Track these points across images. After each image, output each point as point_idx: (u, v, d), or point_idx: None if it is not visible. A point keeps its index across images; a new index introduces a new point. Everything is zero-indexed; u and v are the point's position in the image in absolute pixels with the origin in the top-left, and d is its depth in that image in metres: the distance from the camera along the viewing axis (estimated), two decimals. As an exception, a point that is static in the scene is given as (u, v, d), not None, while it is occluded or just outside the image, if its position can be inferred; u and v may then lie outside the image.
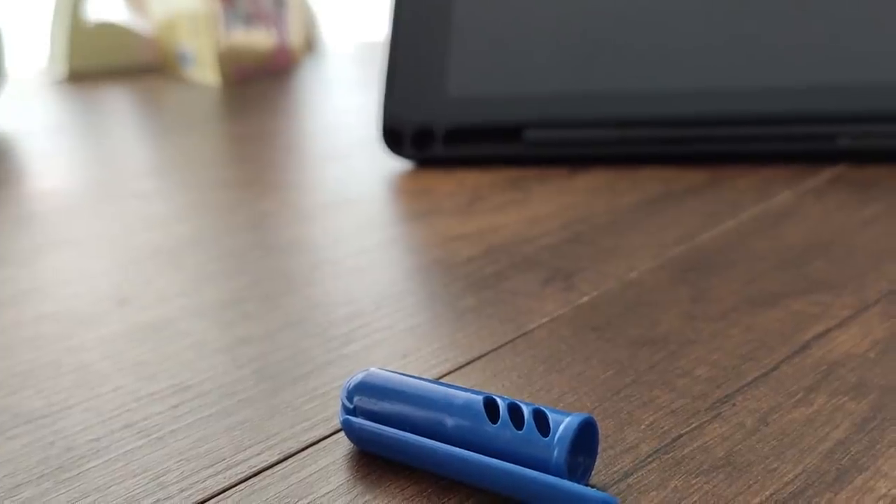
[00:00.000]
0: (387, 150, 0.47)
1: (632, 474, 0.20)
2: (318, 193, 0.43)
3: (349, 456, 0.21)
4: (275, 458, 0.21)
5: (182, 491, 0.20)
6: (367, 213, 0.39)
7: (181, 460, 0.21)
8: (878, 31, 0.43)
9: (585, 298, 0.29)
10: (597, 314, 0.28)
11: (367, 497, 0.19)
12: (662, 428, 0.22)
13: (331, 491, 0.20)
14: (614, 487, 0.19)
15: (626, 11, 0.46)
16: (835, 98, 0.42)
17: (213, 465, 0.21)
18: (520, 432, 0.19)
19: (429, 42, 0.48)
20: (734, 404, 0.22)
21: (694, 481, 0.19)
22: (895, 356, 0.24)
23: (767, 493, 0.19)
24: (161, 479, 0.21)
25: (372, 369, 0.22)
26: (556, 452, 0.18)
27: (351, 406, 0.21)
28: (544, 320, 0.28)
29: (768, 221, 0.35)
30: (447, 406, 0.20)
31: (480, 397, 0.20)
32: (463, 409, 0.20)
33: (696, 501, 0.19)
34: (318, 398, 0.24)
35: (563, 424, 0.19)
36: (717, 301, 0.28)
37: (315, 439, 0.22)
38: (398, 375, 0.21)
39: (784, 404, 0.22)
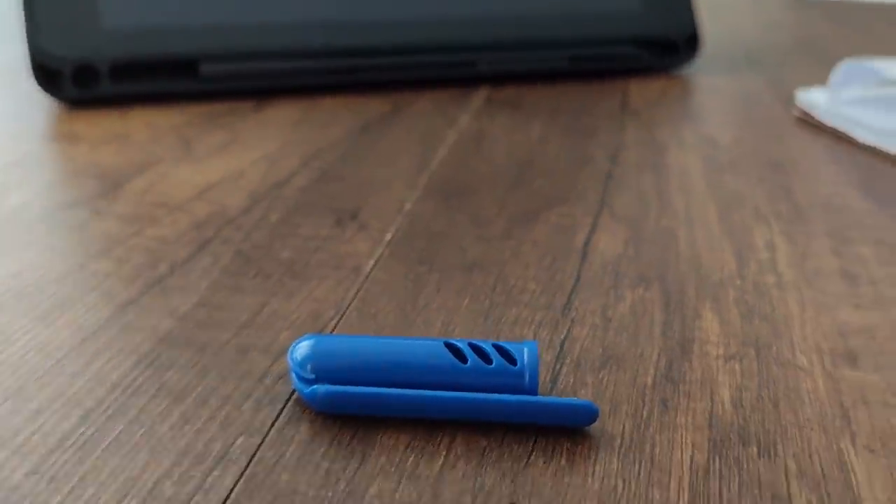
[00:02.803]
0: (39, 88, 0.42)
1: (556, 379, 0.24)
2: (-12, 149, 0.37)
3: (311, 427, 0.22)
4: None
5: None
6: (63, 169, 0.36)
7: None
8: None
9: (388, 235, 0.32)
10: (411, 249, 0.31)
11: (368, 461, 0.21)
12: (547, 338, 0.26)
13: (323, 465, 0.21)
14: (557, 393, 0.23)
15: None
16: (476, 29, 0.49)
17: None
18: (490, 366, 0.22)
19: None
20: (576, 308, 0.27)
21: (601, 375, 0.24)
22: (638, 250, 0.31)
23: (649, 375, 0.25)
24: None
25: (309, 335, 0.22)
26: (527, 377, 0.22)
27: (311, 375, 0.22)
28: (372, 262, 0.30)
29: (471, 145, 0.41)
30: (413, 354, 0.22)
31: (439, 342, 0.22)
32: (430, 355, 0.22)
33: (612, 392, 0.24)
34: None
35: (526, 352, 0.22)
36: (492, 222, 0.33)
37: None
38: (345, 336, 0.22)
39: (609, 302, 0.28)
